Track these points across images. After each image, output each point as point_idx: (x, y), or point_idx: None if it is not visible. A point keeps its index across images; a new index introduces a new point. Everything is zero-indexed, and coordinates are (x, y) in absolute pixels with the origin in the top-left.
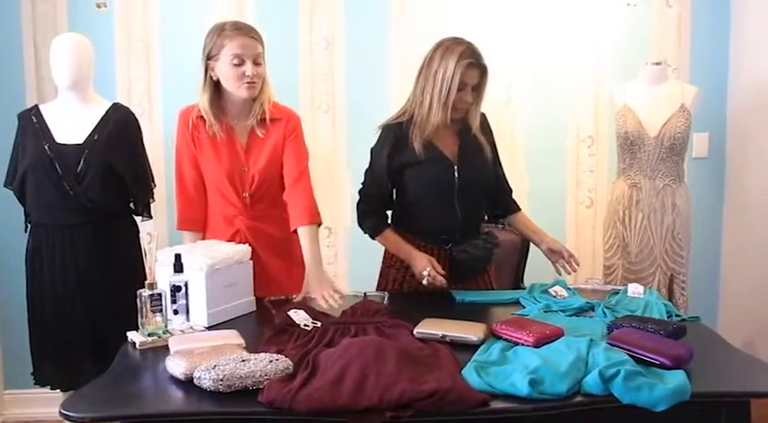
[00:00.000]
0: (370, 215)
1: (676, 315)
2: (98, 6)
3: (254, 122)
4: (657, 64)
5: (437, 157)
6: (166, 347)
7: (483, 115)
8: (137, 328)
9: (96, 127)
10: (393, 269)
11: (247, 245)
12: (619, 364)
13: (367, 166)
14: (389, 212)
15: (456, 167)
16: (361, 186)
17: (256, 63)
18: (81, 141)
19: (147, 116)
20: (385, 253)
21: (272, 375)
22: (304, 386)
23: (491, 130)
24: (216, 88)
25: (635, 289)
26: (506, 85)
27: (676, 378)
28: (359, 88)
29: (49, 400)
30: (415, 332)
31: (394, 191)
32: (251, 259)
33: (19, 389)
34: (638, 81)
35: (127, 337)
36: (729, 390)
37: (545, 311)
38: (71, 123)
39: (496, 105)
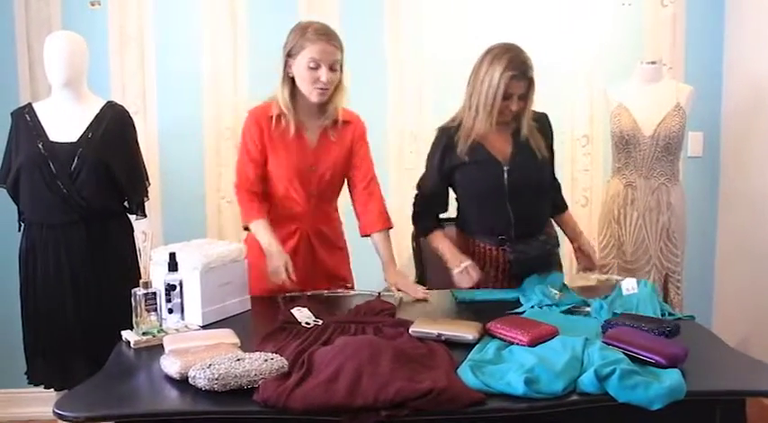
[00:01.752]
0: (422, 217)
1: (670, 314)
2: (92, 4)
3: (327, 123)
4: (652, 63)
5: (485, 158)
6: (161, 346)
7: (544, 115)
8: (131, 327)
9: (90, 125)
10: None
11: (242, 244)
12: (614, 362)
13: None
14: (443, 215)
15: (506, 169)
16: (416, 190)
17: (332, 69)
18: (75, 140)
19: (141, 114)
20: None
21: (267, 374)
22: (299, 385)
23: (551, 132)
24: (292, 84)
25: (628, 285)
26: None
27: (671, 377)
28: (354, 88)
29: (43, 400)
30: (410, 331)
31: (450, 192)
32: (306, 254)
33: (12, 388)
34: (633, 80)
35: (121, 335)
36: (725, 388)
37: (540, 307)
38: (65, 122)
39: None
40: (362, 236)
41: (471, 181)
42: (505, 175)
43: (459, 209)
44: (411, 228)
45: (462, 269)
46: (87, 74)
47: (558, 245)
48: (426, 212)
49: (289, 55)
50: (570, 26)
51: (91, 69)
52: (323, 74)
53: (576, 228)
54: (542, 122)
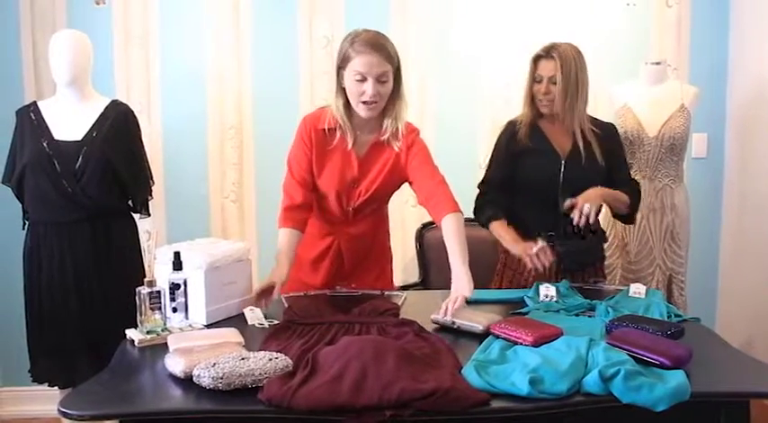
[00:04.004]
0: (487, 207)
1: (676, 315)
2: (97, 3)
3: (384, 139)
4: (657, 64)
5: (547, 148)
6: (165, 345)
7: (610, 126)
8: (135, 326)
9: (95, 124)
10: (509, 270)
11: (246, 243)
12: (619, 363)
13: (488, 162)
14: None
15: (563, 162)
16: (480, 182)
17: (380, 81)
18: (79, 138)
19: (145, 113)
20: (501, 254)
21: (271, 373)
22: (303, 384)
23: (617, 141)
24: (345, 95)
25: (636, 289)
26: (504, 83)
27: (676, 378)
28: None
29: (47, 398)
30: (431, 317)
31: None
32: (333, 263)
33: (16, 386)
34: (638, 81)
35: (125, 334)
36: (729, 390)
37: (545, 311)
38: (69, 120)
39: (495, 104)
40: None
41: (530, 168)
42: (562, 168)
43: (512, 203)
44: (416, 228)
45: (540, 248)
46: (92, 72)
47: (606, 240)
48: (491, 203)
49: (340, 66)
50: (575, 26)
51: (95, 68)
52: (369, 87)
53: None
54: (606, 131)
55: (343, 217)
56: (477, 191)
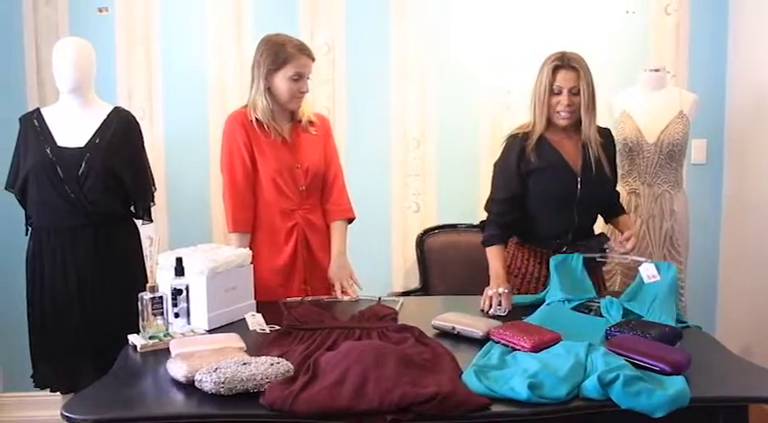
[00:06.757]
0: (491, 225)
1: (680, 322)
2: (100, 10)
3: (304, 124)
4: (656, 70)
5: (561, 164)
6: (167, 350)
7: (608, 130)
8: (138, 331)
9: (98, 130)
10: (511, 276)
11: (248, 249)
12: (618, 368)
13: (492, 178)
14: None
15: (579, 179)
16: (488, 200)
17: (308, 79)
18: (82, 145)
19: (148, 119)
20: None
21: (272, 378)
22: (305, 389)
23: (614, 145)
24: (268, 95)
25: (648, 272)
26: (505, 90)
27: (675, 384)
28: (359, 93)
29: (49, 403)
30: (432, 323)
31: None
32: (306, 257)
33: (18, 391)
34: (637, 88)
35: (128, 339)
36: (728, 395)
37: (562, 301)
38: (73, 127)
39: (496, 111)
40: (327, 225)
41: (546, 185)
42: (579, 185)
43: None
44: (416, 234)
45: (494, 293)
46: (95, 79)
47: (608, 239)
48: (496, 222)
49: (271, 69)
50: (574, 34)
51: (98, 75)
52: (304, 85)
53: (627, 223)
54: (606, 137)
55: (298, 199)
56: (486, 213)
